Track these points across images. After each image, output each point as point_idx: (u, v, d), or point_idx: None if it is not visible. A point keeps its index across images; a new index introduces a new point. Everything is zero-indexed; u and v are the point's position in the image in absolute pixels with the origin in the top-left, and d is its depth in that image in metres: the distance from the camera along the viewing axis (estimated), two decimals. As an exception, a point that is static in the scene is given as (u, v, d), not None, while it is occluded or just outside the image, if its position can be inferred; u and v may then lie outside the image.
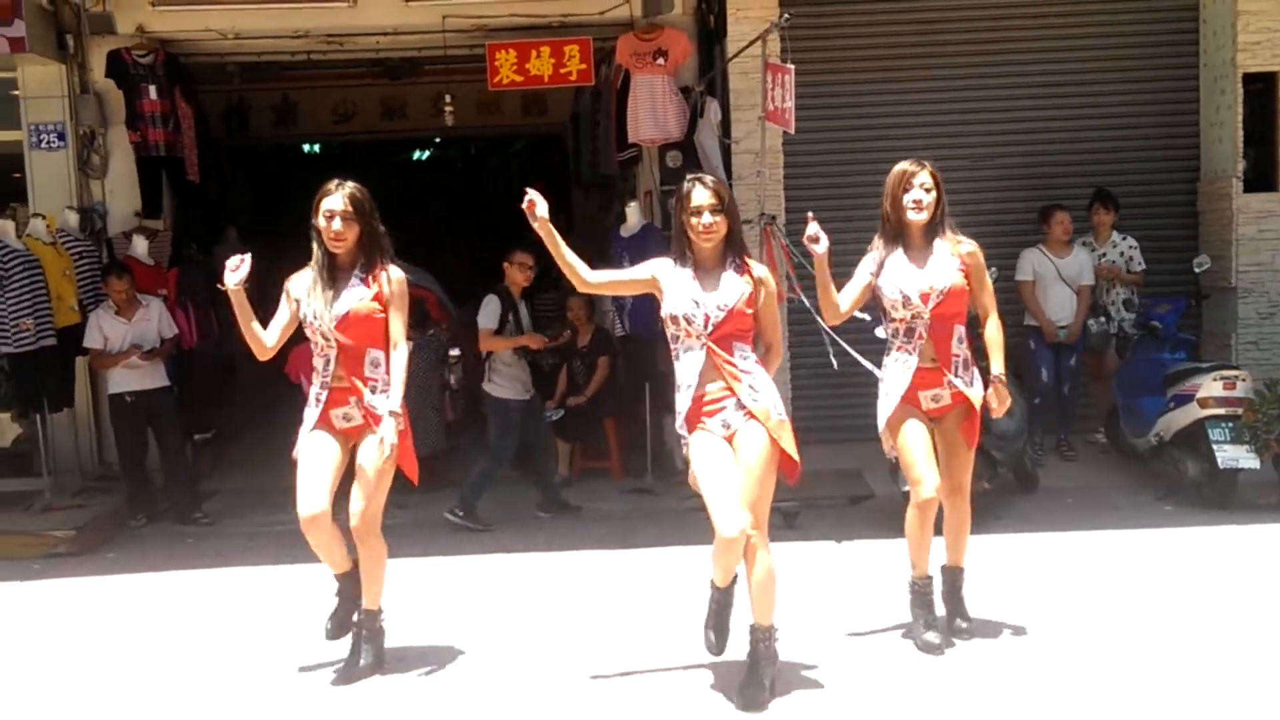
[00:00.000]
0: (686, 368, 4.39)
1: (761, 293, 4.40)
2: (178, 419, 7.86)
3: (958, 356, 4.83)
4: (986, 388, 4.89)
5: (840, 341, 6.85)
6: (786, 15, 7.05)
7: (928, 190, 4.77)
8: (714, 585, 4.44)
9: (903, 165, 4.86)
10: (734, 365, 4.35)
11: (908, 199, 4.78)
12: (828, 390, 8.51)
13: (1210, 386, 6.92)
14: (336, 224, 4.61)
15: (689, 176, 4.50)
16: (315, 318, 4.62)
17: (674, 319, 4.36)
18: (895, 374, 4.86)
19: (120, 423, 7.72)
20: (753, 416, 4.33)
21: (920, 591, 4.97)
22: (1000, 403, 4.88)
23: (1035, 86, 8.88)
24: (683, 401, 4.40)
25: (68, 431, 8.46)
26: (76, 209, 8.54)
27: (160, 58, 8.60)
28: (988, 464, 6.41)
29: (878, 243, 4.90)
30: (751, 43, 7.45)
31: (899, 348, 4.86)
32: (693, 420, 4.39)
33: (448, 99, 10.37)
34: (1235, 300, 8.51)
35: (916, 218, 4.78)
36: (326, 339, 4.63)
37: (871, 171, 8.71)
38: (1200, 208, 8.84)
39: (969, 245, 4.86)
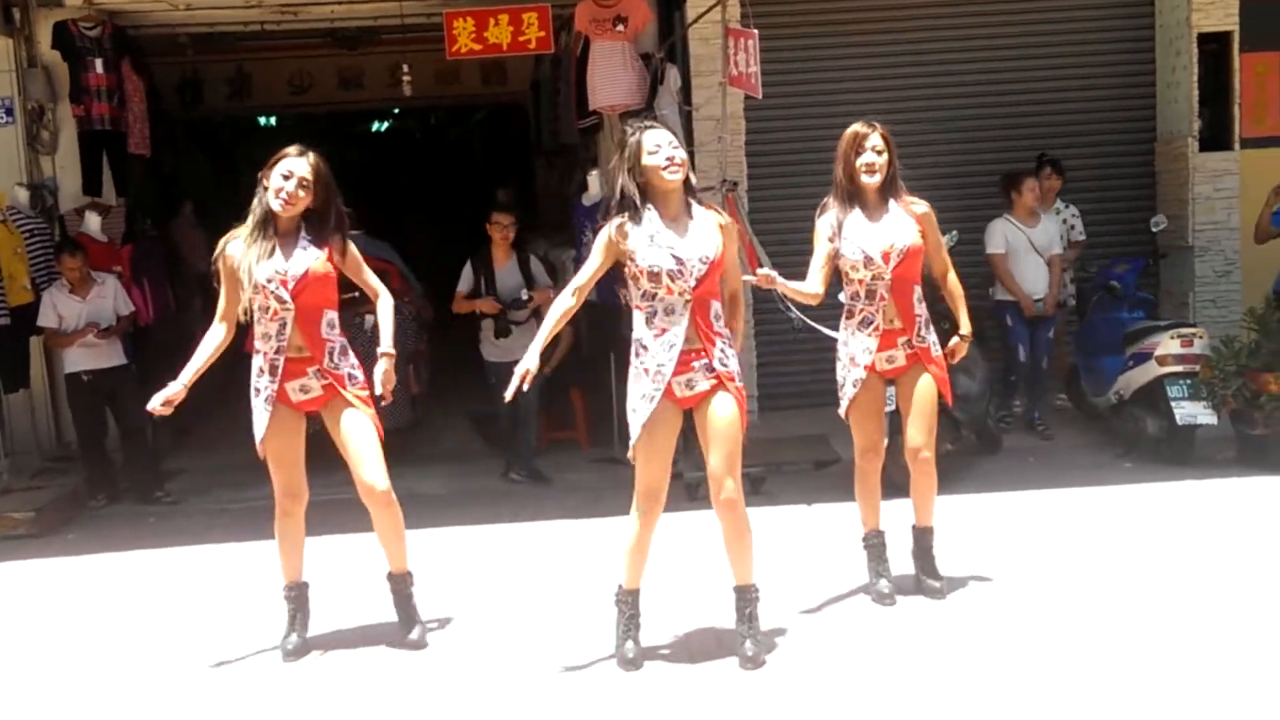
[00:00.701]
0: (668, 327, 4.23)
1: (726, 238, 4.31)
2: (136, 397, 7.73)
3: (919, 317, 4.86)
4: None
5: (796, 312, 6.84)
6: (745, -21, 7.01)
7: (879, 152, 4.78)
8: (623, 590, 4.42)
9: (854, 127, 4.85)
10: (711, 325, 4.27)
11: (860, 162, 4.78)
12: (792, 356, 8.54)
13: (1168, 345, 7.00)
14: (291, 185, 4.46)
15: (632, 125, 4.32)
16: (268, 281, 4.48)
17: (653, 275, 4.20)
18: (858, 342, 4.87)
19: (78, 402, 7.62)
20: (721, 380, 4.28)
21: (871, 546, 5.08)
22: (958, 356, 4.97)
23: (993, 49, 8.91)
24: (667, 364, 4.23)
25: (24, 412, 8.35)
26: (26, 186, 8.38)
27: (108, 30, 8.43)
28: (950, 426, 6.45)
29: (831, 204, 4.89)
30: (711, 8, 7.41)
31: (861, 311, 4.87)
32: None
33: (405, 69, 10.25)
34: (1192, 259, 8.60)
35: (870, 180, 4.79)
36: (283, 302, 4.50)
37: (831, 136, 8.69)
38: (1157, 168, 8.91)
39: (923, 206, 4.89)
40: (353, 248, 4.68)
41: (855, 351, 4.89)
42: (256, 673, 4.64)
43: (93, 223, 8.28)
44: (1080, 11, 8.89)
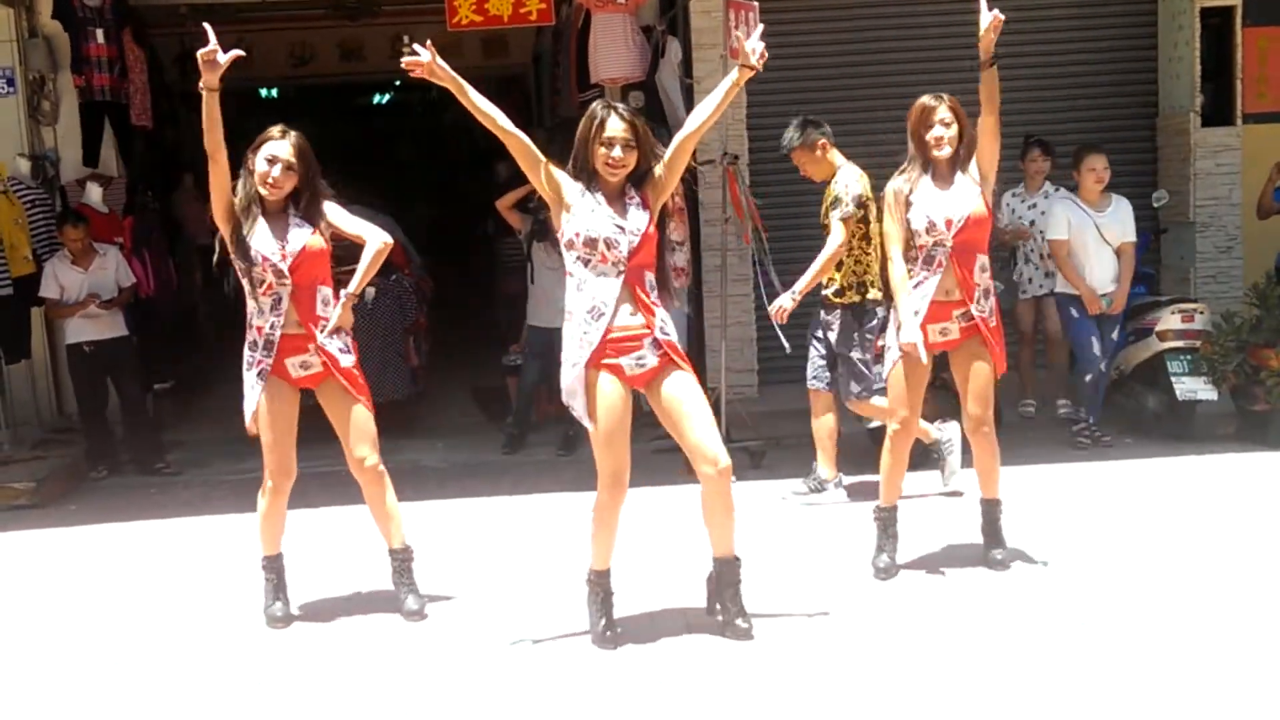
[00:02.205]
0: (598, 295, 4.17)
1: (660, 200, 4.26)
2: (137, 368, 7.77)
3: (979, 286, 4.87)
4: None
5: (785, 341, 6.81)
6: (747, -49, 6.97)
7: (947, 124, 4.80)
8: (594, 571, 4.42)
9: (922, 100, 4.88)
10: (648, 295, 4.25)
11: (929, 135, 4.80)
12: (792, 331, 8.52)
13: (1169, 320, 7.01)
14: (276, 171, 4.49)
15: (601, 102, 4.28)
16: (269, 254, 4.49)
17: (590, 242, 4.14)
18: (914, 297, 4.87)
19: (78, 373, 7.63)
20: (670, 354, 4.26)
21: (881, 519, 5.10)
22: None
23: (996, 22, 8.84)
24: (594, 332, 4.18)
25: (25, 383, 8.36)
26: (28, 156, 8.36)
27: (108, 1, 8.39)
28: (952, 400, 6.46)
29: (903, 171, 4.91)
30: (712, -20, 7.37)
31: (917, 275, 4.89)
32: (598, 355, 4.20)
33: (406, 40, 10.19)
34: (1194, 234, 8.59)
35: (940, 154, 4.82)
36: (280, 276, 4.51)
37: (834, 110, 8.75)
38: (1158, 143, 8.88)
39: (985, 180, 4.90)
40: (331, 206, 4.69)
41: (910, 311, 4.84)
42: (253, 642, 4.67)
43: (94, 194, 8.27)
44: (1084, -14, 8.85)
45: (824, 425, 6.23)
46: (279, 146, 4.53)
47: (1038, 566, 5.04)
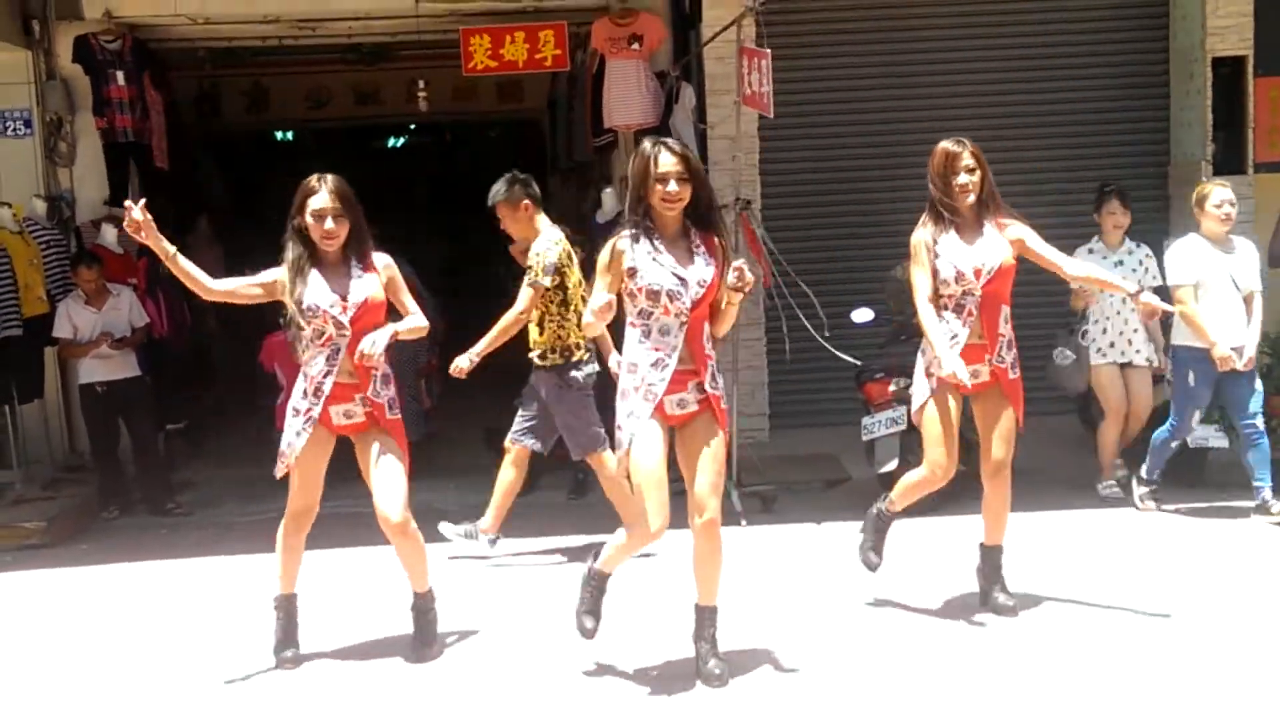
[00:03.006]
0: (663, 346, 4.24)
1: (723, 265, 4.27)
2: (149, 409, 7.79)
3: (1003, 336, 4.90)
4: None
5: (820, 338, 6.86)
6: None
7: (970, 171, 4.82)
8: (600, 574, 4.50)
9: (945, 145, 4.89)
10: (704, 345, 4.30)
11: (955, 183, 4.82)
12: (804, 375, 8.54)
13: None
14: (329, 223, 4.50)
15: (652, 140, 4.31)
16: (330, 307, 4.49)
17: (653, 294, 4.20)
18: (947, 334, 4.88)
19: (91, 413, 7.65)
20: (710, 402, 4.30)
21: (878, 517, 5.18)
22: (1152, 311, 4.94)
23: (1007, 70, 8.93)
24: (658, 384, 4.23)
25: (38, 422, 8.39)
26: (44, 197, 8.45)
27: (128, 44, 8.51)
28: (964, 447, 6.44)
29: (927, 223, 4.91)
30: (726, 27, 7.44)
31: (948, 323, 4.89)
32: (661, 406, 4.25)
33: (422, 85, 10.31)
34: (1206, 283, 8.56)
35: (965, 200, 4.83)
36: (340, 328, 4.52)
37: (846, 155, 8.84)
38: (1170, 191, 8.90)
39: (1015, 230, 4.88)
40: (388, 263, 4.70)
41: (933, 361, 4.88)
42: (265, 684, 4.64)
43: (109, 235, 8.34)
44: (1095, 35, 8.91)
45: (504, 478, 6.22)
46: (321, 199, 4.52)
47: (1042, 613, 5.00)
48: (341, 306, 4.51)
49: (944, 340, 4.81)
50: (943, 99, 8.82)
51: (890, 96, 8.80)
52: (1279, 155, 8.61)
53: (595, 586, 4.54)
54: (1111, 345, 6.92)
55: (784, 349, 8.19)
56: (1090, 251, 6.91)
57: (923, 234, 4.92)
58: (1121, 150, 8.94)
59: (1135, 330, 6.87)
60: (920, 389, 4.99)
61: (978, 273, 4.80)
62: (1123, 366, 6.94)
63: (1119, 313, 6.89)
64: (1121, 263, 6.89)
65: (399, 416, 4.71)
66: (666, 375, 4.24)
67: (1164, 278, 6.54)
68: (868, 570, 5.15)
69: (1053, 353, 7.05)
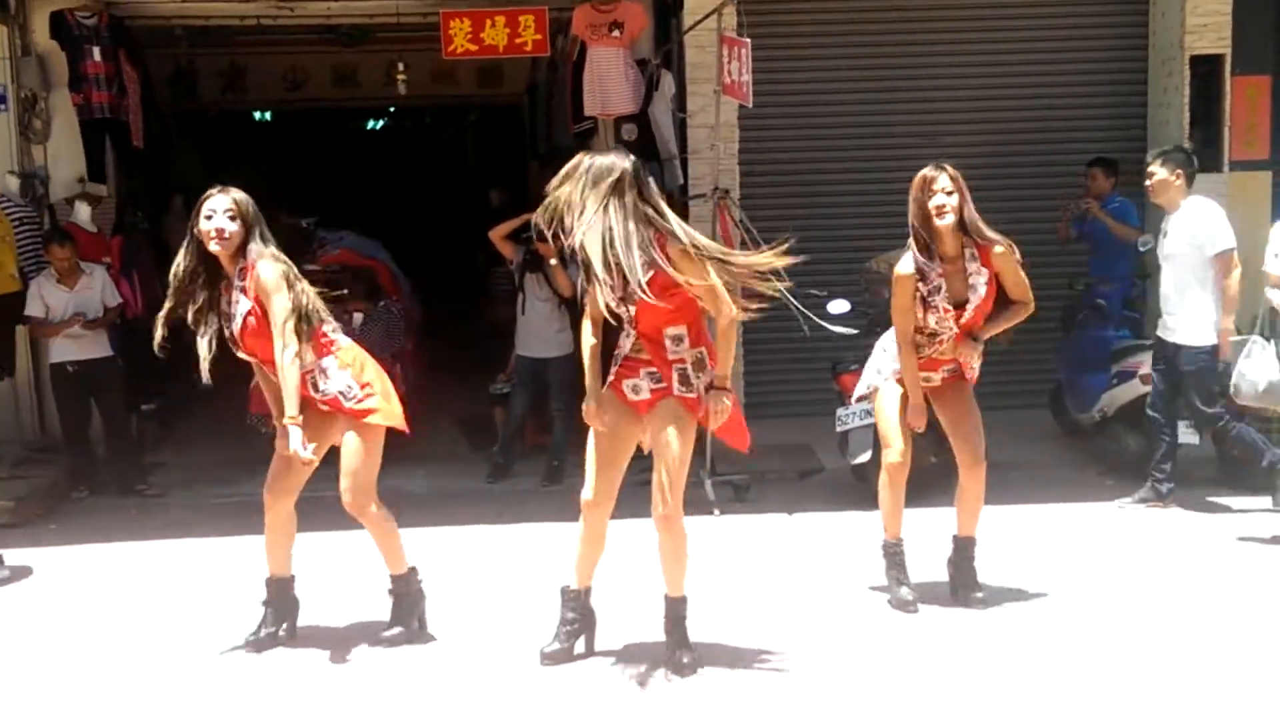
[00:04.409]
0: (621, 341, 4.39)
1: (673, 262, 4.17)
2: (121, 389, 7.73)
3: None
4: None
5: (808, 313, 6.85)
6: (742, -12, 7.04)
7: (949, 193, 4.80)
8: (565, 592, 4.58)
9: (923, 172, 4.89)
10: (661, 340, 4.28)
11: (931, 204, 4.81)
12: (779, 366, 8.56)
13: (1152, 364, 7.01)
14: (218, 220, 4.44)
15: (589, 156, 4.23)
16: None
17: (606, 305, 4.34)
18: (893, 361, 5.02)
19: (62, 392, 7.59)
20: (664, 389, 4.30)
21: (891, 554, 5.13)
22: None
23: (986, 64, 8.95)
24: (620, 350, 4.41)
25: (8, 401, 8.30)
26: (17, 174, 8.35)
27: (104, 20, 8.40)
28: (934, 439, 6.48)
29: (914, 255, 4.89)
30: (707, 15, 7.42)
31: (918, 341, 4.95)
32: (618, 373, 4.40)
33: (401, 67, 10.25)
34: (1179, 279, 8.62)
35: (942, 223, 4.81)
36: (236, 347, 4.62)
37: (826, 145, 8.84)
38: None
39: (999, 247, 4.86)
40: (261, 266, 4.47)
41: (886, 366, 5.04)
42: (230, 666, 4.62)
43: (83, 213, 8.26)
44: (1073, 31, 8.93)
45: None
46: (218, 200, 4.49)
47: (1015, 604, 5.04)
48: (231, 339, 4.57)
49: (915, 382, 4.93)
50: (922, 91, 8.83)
51: (870, 88, 8.80)
52: (1255, 153, 8.66)
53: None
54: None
55: (759, 338, 8.23)
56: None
57: (908, 267, 4.88)
58: (1099, 147, 8.92)
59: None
60: (868, 384, 5.14)
61: (958, 317, 4.86)
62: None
63: None
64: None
65: (363, 406, 4.62)
66: (619, 357, 4.38)
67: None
68: (904, 612, 4.99)
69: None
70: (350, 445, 4.63)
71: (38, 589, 5.75)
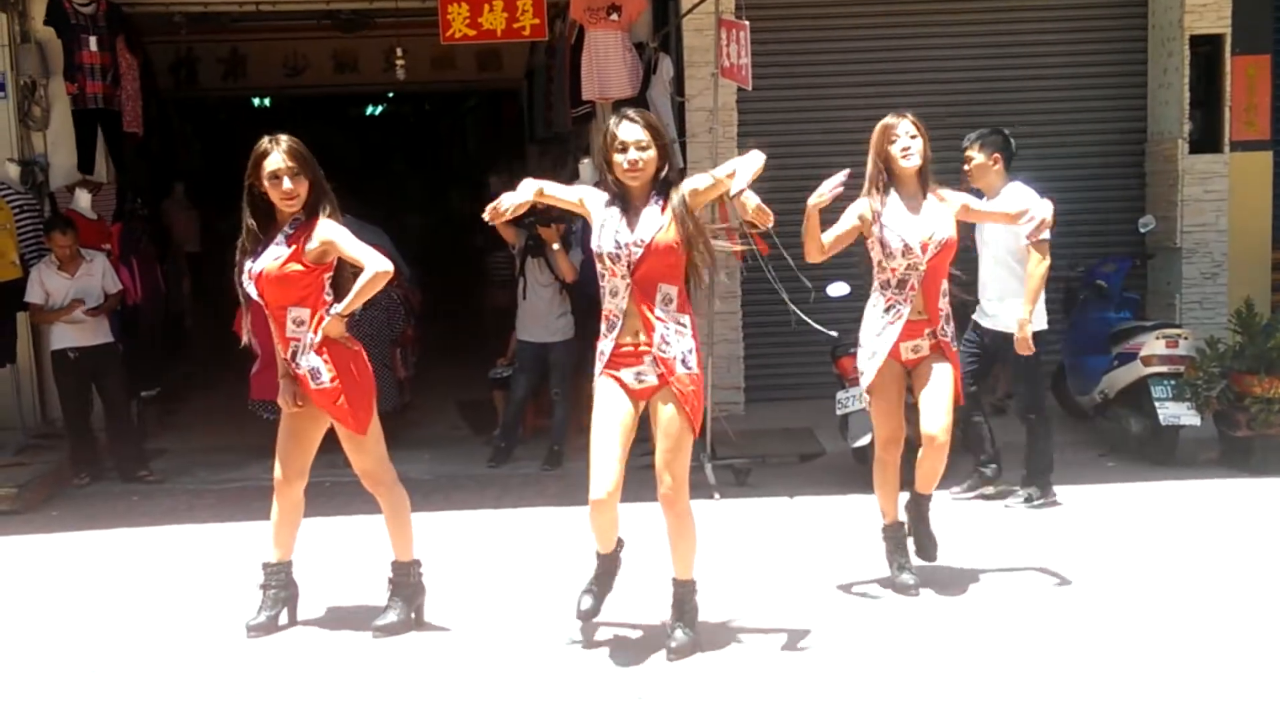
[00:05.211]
0: (611, 307, 4.34)
1: (679, 220, 4.23)
2: (122, 375, 7.75)
3: (943, 311, 4.95)
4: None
5: (796, 310, 6.87)
6: (740, -29, 7.01)
7: (913, 137, 4.84)
8: (596, 553, 4.53)
9: (884, 120, 4.92)
10: (652, 311, 4.27)
11: (895, 149, 4.83)
12: (779, 349, 8.57)
13: (1153, 345, 7.03)
14: (287, 183, 4.45)
15: (619, 112, 4.38)
16: (242, 281, 4.56)
17: (599, 256, 4.31)
18: (884, 326, 4.92)
19: (63, 379, 7.60)
20: (665, 374, 4.29)
21: (892, 537, 5.13)
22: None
23: (986, 45, 8.94)
24: (606, 343, 4.35)
25: (9, 388, 8.32)
26: (17, 161, 8.35)
27: (102, 7, 8.38)
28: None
29: (871, 192, 4.91)
30: (704, -1, 7.41)
31: (889, 300, 4.91)
32: (612, 365, 4.35)
33: (400, 53, 10.22)
34: (1180, 260, 8.63)
35: (908, 164, 4.84)
36: (247, 300, 4.58)
37: (823, 129, 8.82)
38: (1146, 168, 8.94)
39: (956, 197, 4.97)
40: (331, 226, 4.54)
41: (878, 345, 4.93)
42: (231, 651, 4.64)
43: (83, 200, 8.26)
44: (1073, 11, 8.92)
45: None
46: (275, 159, 4.46)
47: (1016, 586, 5.05)
48: (250, 275, 4.54)
49: (871, 347, 4.94)
50: (921, 73, 8.81)
51: (869, 70, 8.79)
52: (1255, 133, 8.65)
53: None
54: None
55: (759, 321, 8.24)
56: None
57: (865, 202, 4.90)
58: (1098, 127, 8.97)
59: None
60: (863, 367, 5.03)
61: (924, 246, 4.81)
62: None
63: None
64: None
65: (334, 380, 4.57)
66: (613, 338, 4.32)
67: None
68: (905, 596, 4.98)
69: None
70: (341, 431, 4.67)
71: (40, 575, 5.77)
